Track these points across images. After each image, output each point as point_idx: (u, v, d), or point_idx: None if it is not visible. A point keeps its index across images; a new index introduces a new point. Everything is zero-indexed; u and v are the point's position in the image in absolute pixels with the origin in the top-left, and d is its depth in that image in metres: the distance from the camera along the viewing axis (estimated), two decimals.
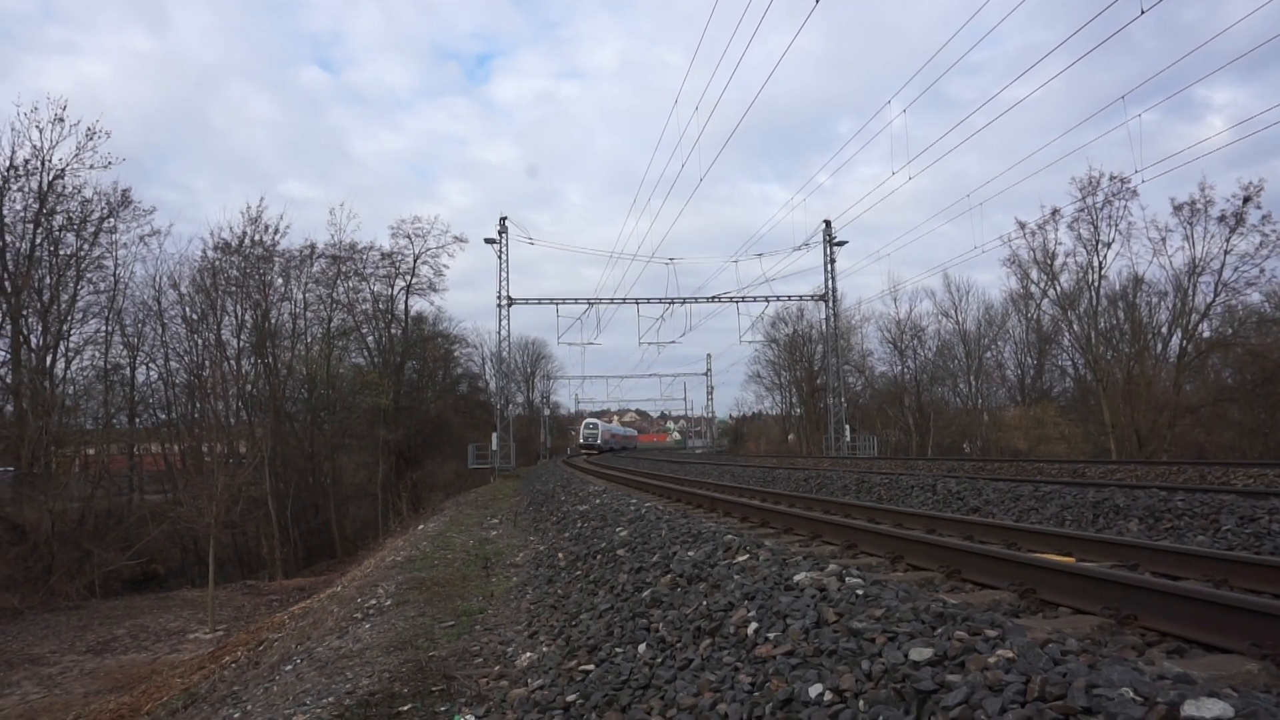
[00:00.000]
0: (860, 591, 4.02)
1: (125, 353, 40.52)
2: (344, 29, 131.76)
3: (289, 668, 8.87)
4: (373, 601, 10.29)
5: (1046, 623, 3.60)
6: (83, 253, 36.53)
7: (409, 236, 48.96)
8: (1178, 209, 37.05)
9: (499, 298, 42.46)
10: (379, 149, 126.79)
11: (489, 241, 42.43)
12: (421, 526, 22.56)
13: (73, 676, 18.21)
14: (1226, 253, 35.78)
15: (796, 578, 4.59)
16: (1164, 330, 40.70)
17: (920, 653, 3.12)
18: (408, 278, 49.66)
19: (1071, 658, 2.70)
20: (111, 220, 37.23)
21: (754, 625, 4.21)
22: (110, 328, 39.20)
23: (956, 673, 2.91)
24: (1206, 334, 38.82)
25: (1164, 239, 38.26)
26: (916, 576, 4.93)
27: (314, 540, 42.21)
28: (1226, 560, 5.01)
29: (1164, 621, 3.38)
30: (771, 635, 3.98)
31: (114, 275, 38.64)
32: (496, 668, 5.82)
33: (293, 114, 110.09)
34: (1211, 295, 37.16)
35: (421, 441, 50.64)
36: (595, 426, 72.94)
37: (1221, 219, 35.62)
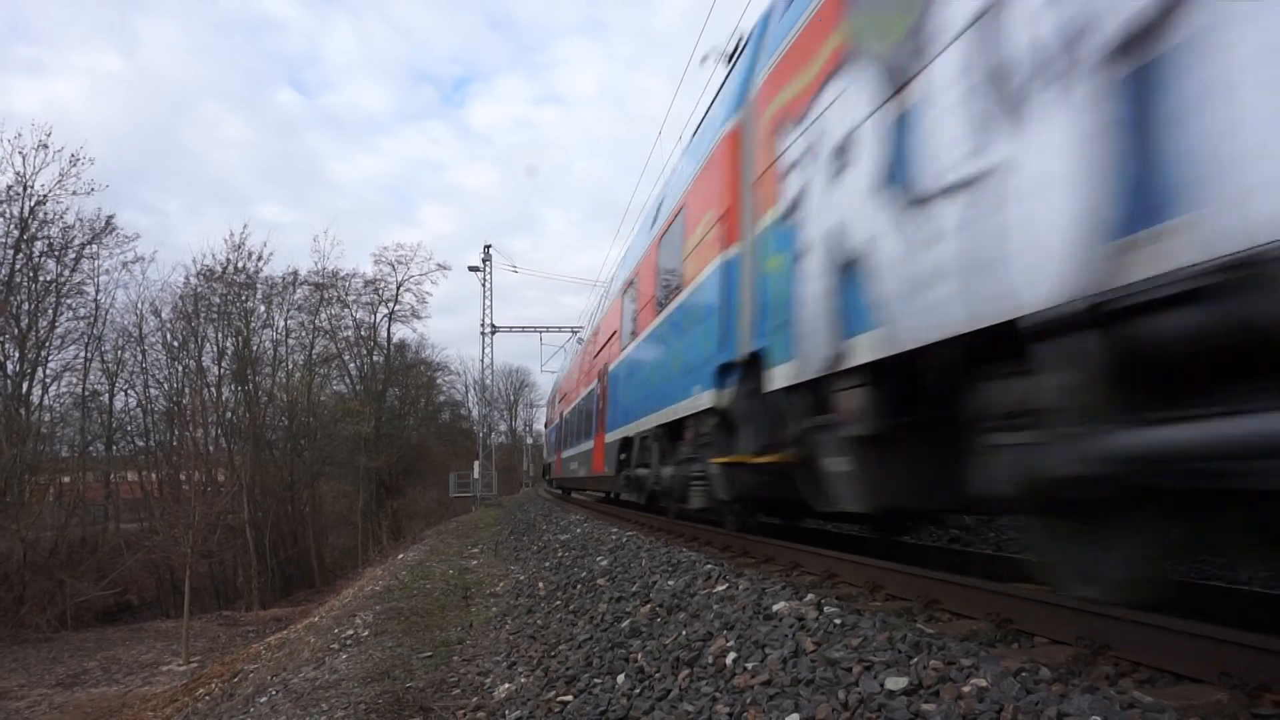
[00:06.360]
0: (838, 621, 4.03)
1: (104, 379, 40.20)
2: (318, 51, 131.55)
3: (264, 700, 8.75)
4: (350, 632, 10.17)
5: (1022, 652, 3.61)
6: (63, 279, 36.33)
7: (392, 264, 49.09)
8: None
9: (483, 325, 42.49)
10: (356, 173, 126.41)
11: (473, 269, 42.63)
12: (401, 555, 22.34)
13: (41, 711, 17.81)
14: None
15: (775, 607, 4.60)
16: None
17: (896, 682, 3.13)
18: (390, 305, 49.65)
19: (1044, 687, 2.72)
20: (93, 247, 37.10)
21: (733, 655, 4.21)
22: (89, 354, 38.92)
23: (931, 701, 2.93)
24: None
25: None
26: (895, 606, 4.93)
27: (292, 569, 41.66)
28: (1201, 588, 5.06)
29: (1137, 651, 3.41)
30: (750, 665, 3.98)
31: (95, 301, 38.45)
32: (474, 699, 5.76)
33: (268, 136, 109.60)
34: None
35: (403, 470, 50.27)
36: None
37: None
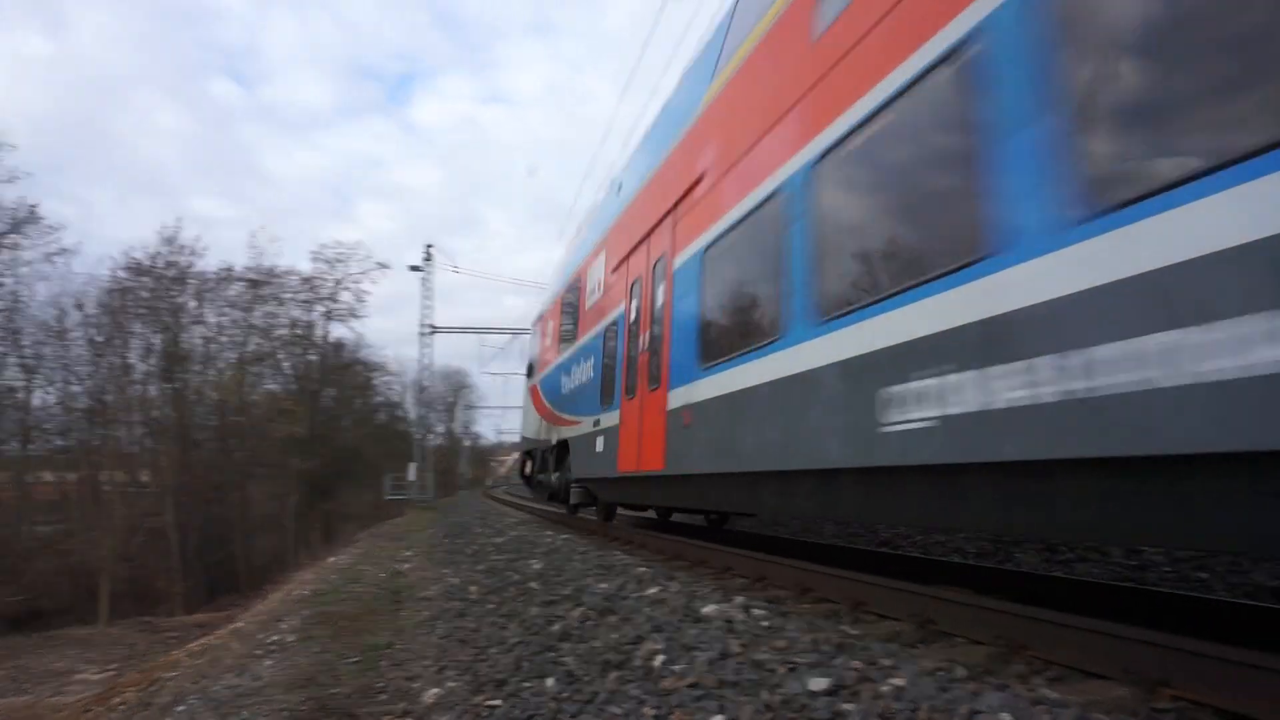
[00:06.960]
0: (765, 623, 4.08)
1: (21, 374, 38.49)
2: (258, 41, 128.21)
3: (182, 708, 8.46)
4: (275, 637, 9.90)
5: (941, 652, 3.70)
6: None
7: (330, 261, 48.05)
8: None
9: (422, 326, 41.87)
10: (294, 168, 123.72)
11: (414, 269, 41.98)
12: (333, 559, 21.84)
13: None
14: None
15: (705, 610, 4.62)
16: None
17: (818, 683, 3.18)
18: (328, 303, 48.59)
19: (958, 685, 2.79)
20: (14, 237, 35.55)
21: (661, 658, 4.22)
22: (5, 348, 37.22)
23: (851, 701, 2.97)
24: None
25: None
26: (823, 608, 5.01)
27: (218, 573, 40.38)
28: (1112, 589, 5.27)
29: (1050, 650, 3.52)
30: (677, 667, 4.00)
31: (12, 293, 36.83)
32: (401, 704, 5.66)
33: (202, 127, 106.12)
34: None
35: (336, 471, 49.19)
36: None
37: None
